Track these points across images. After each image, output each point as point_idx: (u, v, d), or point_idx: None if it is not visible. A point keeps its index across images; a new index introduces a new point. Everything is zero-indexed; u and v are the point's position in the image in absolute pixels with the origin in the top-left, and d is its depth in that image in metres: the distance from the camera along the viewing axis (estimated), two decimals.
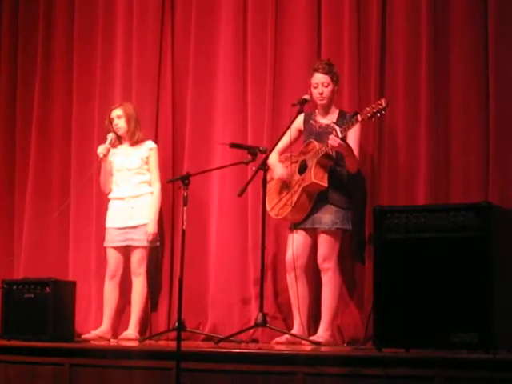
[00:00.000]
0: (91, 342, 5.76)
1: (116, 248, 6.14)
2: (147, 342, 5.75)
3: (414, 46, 5.71)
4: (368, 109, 5.14)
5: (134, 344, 5.62)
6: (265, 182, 5.34)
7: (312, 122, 5.60)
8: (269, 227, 5.68)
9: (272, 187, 5.62)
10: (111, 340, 5.95)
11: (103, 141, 6.24)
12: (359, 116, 5.18)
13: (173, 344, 4.68)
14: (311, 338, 5.34)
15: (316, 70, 5.54)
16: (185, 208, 4.85)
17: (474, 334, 4.27)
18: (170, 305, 6.32)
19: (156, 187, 6.16)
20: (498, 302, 4.31)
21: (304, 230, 5.52)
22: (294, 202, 5.43)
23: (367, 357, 4.38)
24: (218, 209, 6.29)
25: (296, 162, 5.55)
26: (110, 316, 6.15)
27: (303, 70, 5.92)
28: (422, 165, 5.58)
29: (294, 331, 5.46)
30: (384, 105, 5.08)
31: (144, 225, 6.07)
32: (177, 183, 5.27)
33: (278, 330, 5.46)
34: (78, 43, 7.00)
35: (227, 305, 6.11)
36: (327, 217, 5.42)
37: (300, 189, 5.43)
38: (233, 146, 5.56)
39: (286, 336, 5.37)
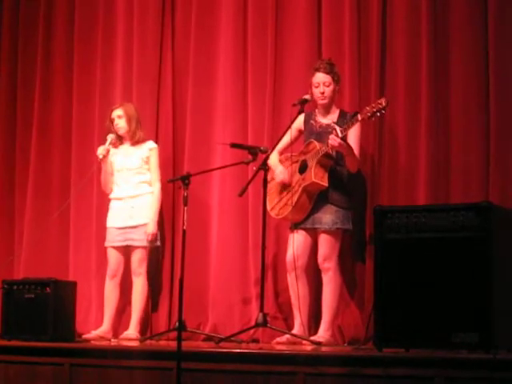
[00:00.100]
0: (92, 341, 5.77)
1: (116, 248, 6.14)
2: (148, 341, 5.75)
3: (415, 46, 5.71)
4: (368, 108, 5.15)
5: (135, 344, 5.62)
6: (265, 182, 5.34)
7: (312, 121, 5.61)
8: (269, 227, 5.68)
9: (272, 187, 5.62)
10: (112, 340, 5.95)
11: (103, 141, 6.24)
12: (359, 115, 5.19)
13: (173, 344, 4.68)
14: (312, 337, 5.34)
15: (317, 70, 5.54)
16: (185, 208, 4.84)
17: (474, 333, 4.27)
18: (170, 305, 6.32)
19: (156, 187, 6.17)
20: (498, 302, 4.30)
21: (304, 229, 5.52)
22: (294, 202, 5.43)
23: (368, 357, 4.38)
24: (219, 209, 6.29)
25: (296, 161, 5.55)
26: (111, 316, 6.15)
27: (303, 70, 5.92)
28: (422, 165, 5.58)
29: (294, 331, 5.46)
30: (384, 104, 5.08)
31: (144, 225, 6.07)
32: (177, 183, 5.27)
33: (279, 330, 5.46)
34: (79, 43, 7.01)
35: (228, 305, 6.11)
36: (327, 217, 5.43)
37: (300, 188, 5.43)
38: (233, 145, 5.56)
39: (287, 336, 5.37)
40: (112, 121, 6.23)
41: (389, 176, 5.69)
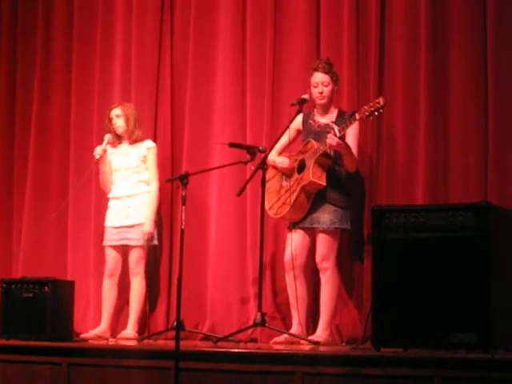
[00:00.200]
0: (90, 341, 5.76)
1: (114, 247, 6.14)
2: (146, 341, 5.74)
3: (413, 47, 5.71)
4: (366, 107, 5.15)
5: (133, 343, 5.61)
6: (263, 182, 5.34)
7: (311, 121, 5.61)
8: (267, 227, 5.68)
9: (271, 186, 5.62)
10: (110, 339, 5.94)
11: (102, 141, 6.24)
12: (357, 115, 5.19)
13: (171, 343, 4.69)
14: (310, 337, 5.35)
15: (316, 70, 5.54)
16: (183, 207, 4.85)
17: (472, 333, 4.27)
18: (168, 304, 6.32)
19: (154, 186, 6.16)
20: (496, 302, 4.30)
21: (303, 229, 5.52)
22: (292, 201, 5.43)
23: (366, 356, 4.38)
24: (217, 208, 6.29)
25: (295, 161, 5.55)
26: (109, 315, 6.14)
27: (302, 71, 5.92)
28: (421, 165, 5.58)
29: (292, 331, 5.46)
30: (382, 103, 5.08)
31: (140, 224, 6.07)
32: (175, 183, 5.28)
33: (277, 330, 5.46)
34: (77, 44, 7.01)
35: (226, 304, 6.11)
36: (326, 216, 5.43)
37: (298, 188, 5.43)
38: (232, 145, 5.56)
39: (285, 335, 5.37)
40: (110, 120, 6.24)
41: (387, 176, 5.70)
